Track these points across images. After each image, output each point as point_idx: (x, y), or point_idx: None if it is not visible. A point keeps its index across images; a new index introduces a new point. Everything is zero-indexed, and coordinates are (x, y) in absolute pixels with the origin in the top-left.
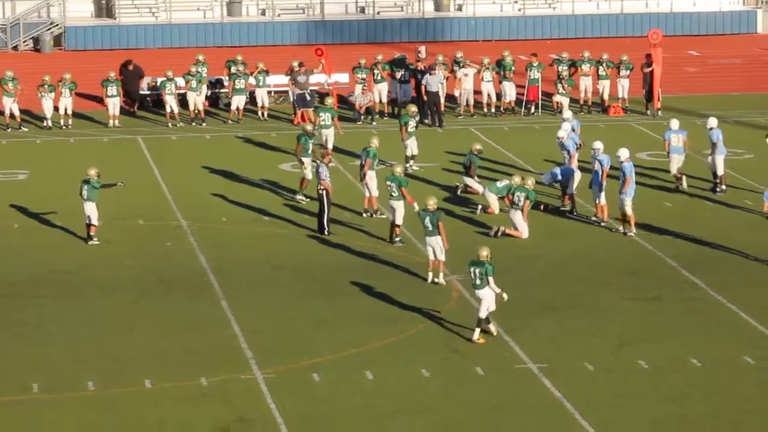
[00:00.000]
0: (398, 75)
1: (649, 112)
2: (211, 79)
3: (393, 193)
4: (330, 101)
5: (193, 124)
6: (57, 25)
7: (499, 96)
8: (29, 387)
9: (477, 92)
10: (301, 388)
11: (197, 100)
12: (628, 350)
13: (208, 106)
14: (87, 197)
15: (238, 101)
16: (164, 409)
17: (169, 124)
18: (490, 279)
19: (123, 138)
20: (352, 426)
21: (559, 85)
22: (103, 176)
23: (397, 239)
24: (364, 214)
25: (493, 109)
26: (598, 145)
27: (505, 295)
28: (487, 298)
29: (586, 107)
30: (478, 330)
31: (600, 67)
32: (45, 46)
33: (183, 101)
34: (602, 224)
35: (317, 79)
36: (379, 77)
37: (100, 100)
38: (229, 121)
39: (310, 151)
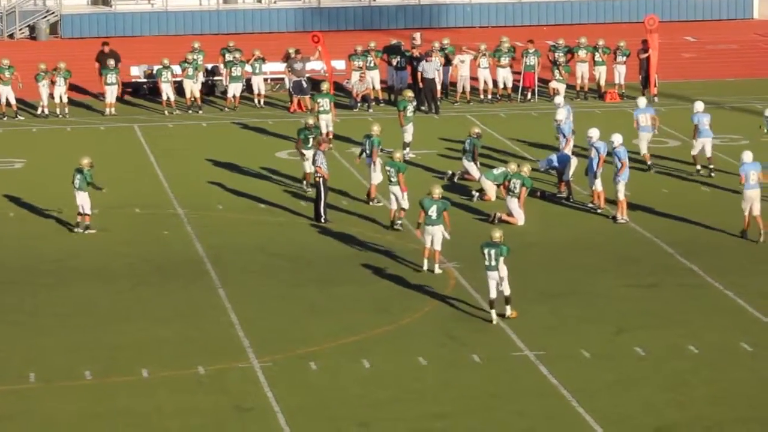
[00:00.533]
0: (394, 62)
1: (645, 97)
2: (207, 67)
3: (392, 179)
4: (326, 86)
5: (190, 111)
6: (53, 12)
7: (495, 82)
8: (26, 376)
9: (473, 78)
10: (298, 377)
11: (194, 87)
12: (626, 337)
13: (205, 93)
14: (79, 186)
15: (235, 89)
16: (161, 398)
17: (166, 112)
18: (501, 260)
19: (119, 126)
20: (350, 414)
21: (556, 72)
22: (100, 165)
23: (399, 222)
24: (371, 202)
25: (489, 96)
26: (593, 132)
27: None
28: (499, 279)
29: (582, 93)
30: (495, 310)
31: (596, 53)
32: (41, 34)
33: (179, 89)
34: (598, 211)
35: (313, 66)
36: (372, 64)
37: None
38: (226, 109)
39: (311, 145)
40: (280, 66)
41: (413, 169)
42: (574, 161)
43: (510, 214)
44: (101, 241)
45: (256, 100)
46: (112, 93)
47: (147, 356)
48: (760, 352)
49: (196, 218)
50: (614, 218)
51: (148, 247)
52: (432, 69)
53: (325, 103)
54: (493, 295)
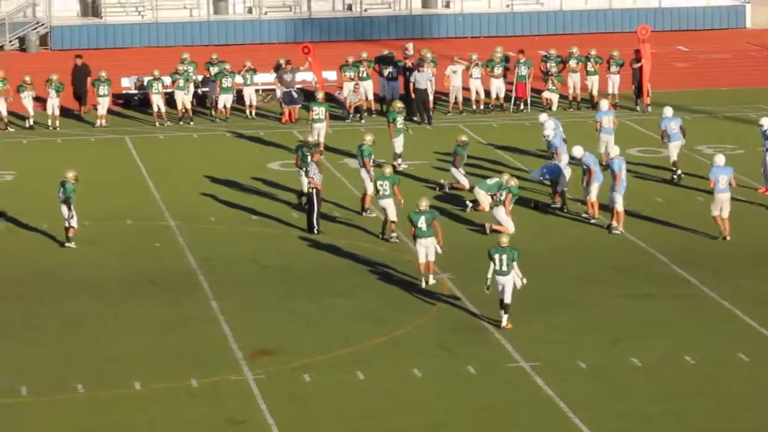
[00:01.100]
0: (386, 72)
1: (638, 107)
2: (198, 78)
3: (385, 192)
4: (321, 95)
5: (181, 123)
6: (43, 24)
7: (487, 92)
8: (17, 390)
9: (465, 89)
10: (292, 389)
11: (185, 99)
12: (621, 348)
13: (196, 105)
14: (62, 200)
15: (225, 100)
16: (154, 411)
17: (157, 124)
18: (515, 264)
19: (110, 138)
20: (344, 427)
21: (549, 82)
22: (91, 177)
23: (393, 235)
24: (363, 213)
25: (482, 106)
26: (577, 151)
27: (524, 280)
28: (511, 284)
29: (575, 103)
30: (506, 316)
31: (588, 63)
32: (31, 46)
33: (170, 100)
34: (592, 221)
35: (303, 76)
36: (364, 74)
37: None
38: (217, 120)
39: (309, 161)
40: (271, 77)
41: (406, 180)
42: (567, 171)
43: (499, 224)
44: (92, 254)
45: (247, 111)
46: (103, 105)
47: (139, 369)
48: (757, 363)
49: (188, 230)
50: (609, 228)
51: (139, 260)
52: (424, 79)
53: (320, 111)
54: (506, 300)
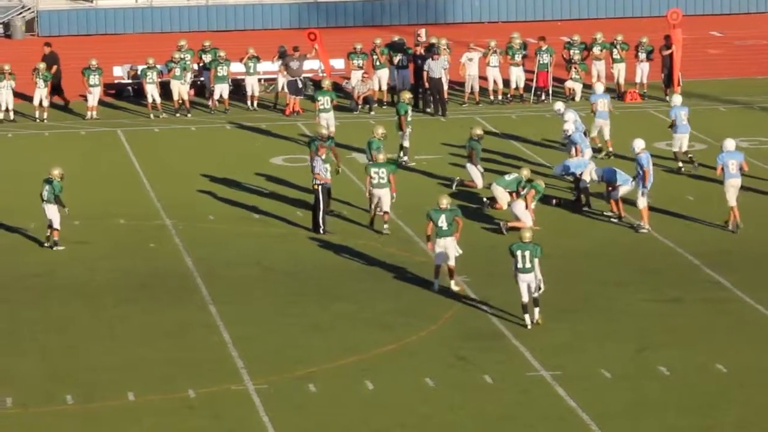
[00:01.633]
0: (396, 60)
1: (668, 97)
2: (195, 66)
3: (382, 180)
4: (327, 83)
5: (178, 115)
6: (29, 9)
7: (506, 82)
8: (2, 401)
9: (482, 78)
10: (296, 400)
11: (181, 89)
12: (648, 356)
13: (194, 95)
14: (46, 199)
15: (221, 89)
16: (149, 424)
17: (151, 115)
18: (536, 261)
19: (102, 131)
20: None
21: (572, 70)
22: (81, 172)
23: (386, 227)
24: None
25: (500, 97)
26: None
27: (543, 285)
28: (533, 282)
29: None
30: (528, 314)
31: (615, 49)
32: (16, 32)
33: (166, 90)
34: (613, 220)
35: (311, 65)
36: (377, 63)
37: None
38: (213, 111)
39: (324, 157)
40: (273, 66)
41: (417, 176)
42: (591, 166)
43: (517, 219)
44: (83, 255)
45: (249, 102)
46: (94, 95)
47: (133, 379)
48: None
49: (185, 230)
50: (635, 227)
51: (133, 261)
52: (438, 68)
53: (325, 101)
54: (526, 299)
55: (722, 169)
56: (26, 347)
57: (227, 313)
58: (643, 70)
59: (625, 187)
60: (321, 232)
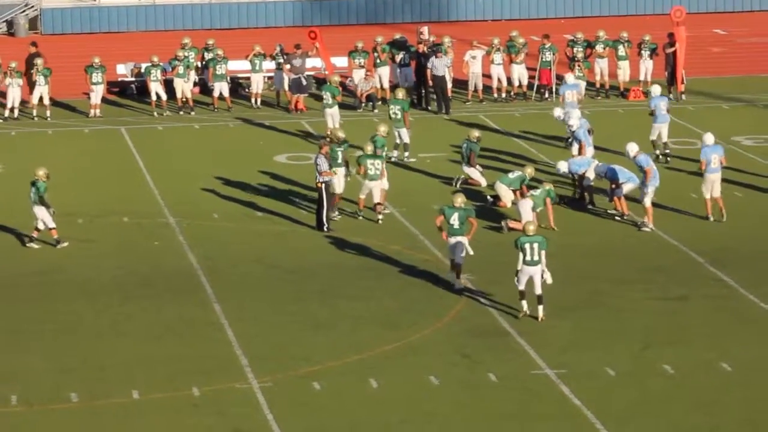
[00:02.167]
0: (397, 58)
1: (671, 95)
2: (198, 64)
3: (377, 172)
4: (334, 79)
5: (181, 113)
6: (32, 6)
7: (509, 80)
8: (7, 399)
9: (486, 76)
10: (300, 398)
11: (185, 87)
12: (653, 353)
13: (198, 93)
14: (33, 200)
15: (221, 87)
16: (154, 422)
17: (155, 113)
18: (543, 254)
19: (105, 129)
20: None
21: (576, 68)
22: (84, 170)
23: (380, 217)
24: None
25: (503, 95)
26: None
27: (549, 278)
28: (540, 275)
29: (603, 91)
30: (541, 307)
31: (620, 46)
32: (20, 30)
33: (169, 88)
34: (617, 218)
35: (314, 63)
36: (378, 60)
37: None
38: (216, 109)
39: (340, 160)
40: (271, 64)
41: (418, 174)
42: (593, 164)
43: (517, 220)
44: (87, 253)
45: (252, 100)
46: (97, 93)
47: (137, 377)
48: None
49: (188, 227)
50: (638, 225)
51: (137, 259)
52: (442, 65)
53: (328, 96)
54: (522, 287)
55: (705, 163)
56: (31, 345)
57: (231, 311)
58: (647, 68)
59: (629, 185)
60: (325, 230)
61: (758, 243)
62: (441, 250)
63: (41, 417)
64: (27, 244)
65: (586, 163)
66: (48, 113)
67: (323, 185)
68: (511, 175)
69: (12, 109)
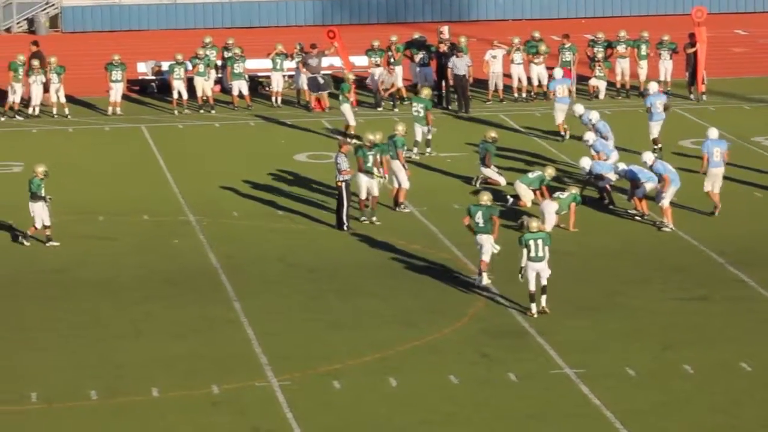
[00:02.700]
0: (417, 58)
1: (692, 96)
2: (218, 63)
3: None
4: (350, 77)
5: (201, 111)
6: (53, 5)
7: (530, 79)
8: (27, 396)
9: (506, 75)
10: (319, 397)
11: (205, 85)
12: (673, 354)
13: (218, 91)
14: (30, 198)
15: (240, 86)
16: (173, 420)
17: (176, 112)
18: (546, 249)
19: (125, 126)
20: None
21: (597, 68)
22: (104, 168)
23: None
24: (396, 208)
25: (524, 94)
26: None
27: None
28: (544, 271)
29: (623, 91)
30: (544, 297)
31: (643, 46)
32: (40, 28)
33: (190, 87)
34: (637, 218)
35: (332, 62)
36: (392, 60)
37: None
38: (236, 108)
39: (371, 164)
40: (291, 63)
41: (437, 174)
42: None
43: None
44: (107, 251)
45: (273, 99)
46: (117, 91)
47: (157, 374)
48: None
49: (209, 226)
50: (657, 225)
51: (157, 258)
52: (463, 65)
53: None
54: (533, 288)
55: (707, 157)
56: (51, 343)
57: (251, 309)
58: (666, 68)
59: (649, 184)
60: (345, 229)
61: None
62: (461, 249)
63: (60, 414)
64: (20, 240)
65: (608, 167)
66: (67, 111)
67: (343, 184)
68: (531, 175)
69: (34, 107)
